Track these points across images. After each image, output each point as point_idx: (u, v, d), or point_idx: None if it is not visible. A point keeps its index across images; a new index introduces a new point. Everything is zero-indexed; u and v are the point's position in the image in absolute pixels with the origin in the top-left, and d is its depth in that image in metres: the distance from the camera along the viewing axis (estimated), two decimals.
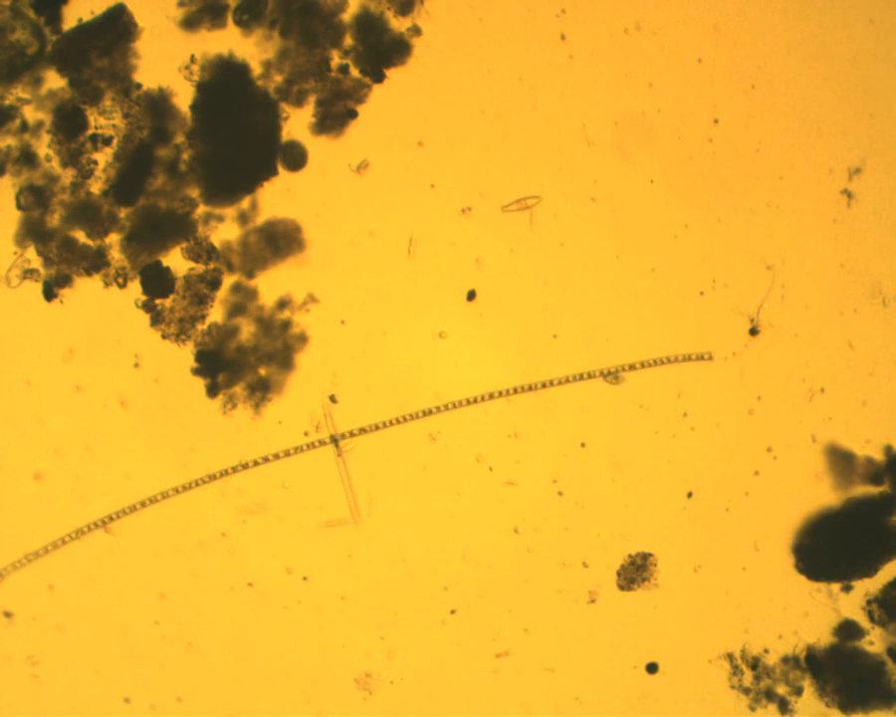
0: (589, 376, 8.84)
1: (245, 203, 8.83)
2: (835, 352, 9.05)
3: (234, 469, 8.83)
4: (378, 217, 8.85)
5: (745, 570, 9.17)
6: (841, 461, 9.15)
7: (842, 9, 8.87)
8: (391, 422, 8.84)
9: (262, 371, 8.91)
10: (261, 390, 8.92)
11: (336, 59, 8.82)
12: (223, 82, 8.77)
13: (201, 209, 8.83)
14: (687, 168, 8.92)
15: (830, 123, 8.90)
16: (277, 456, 8.83)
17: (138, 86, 8.74)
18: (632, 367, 8.87)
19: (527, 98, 8.84)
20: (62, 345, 8.82)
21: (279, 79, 8.79)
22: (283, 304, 8.90)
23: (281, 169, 8.82)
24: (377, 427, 8.82)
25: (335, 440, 8.76)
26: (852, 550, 9.13)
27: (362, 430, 8.77)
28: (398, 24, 8.80)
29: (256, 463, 8.81)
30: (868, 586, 9.24)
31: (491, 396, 8.89)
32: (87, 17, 8.64)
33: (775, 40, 8.85)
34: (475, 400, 8.87)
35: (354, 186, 8.82)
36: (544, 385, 8.92)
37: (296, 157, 8.84)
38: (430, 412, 8.86)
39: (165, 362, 8.85)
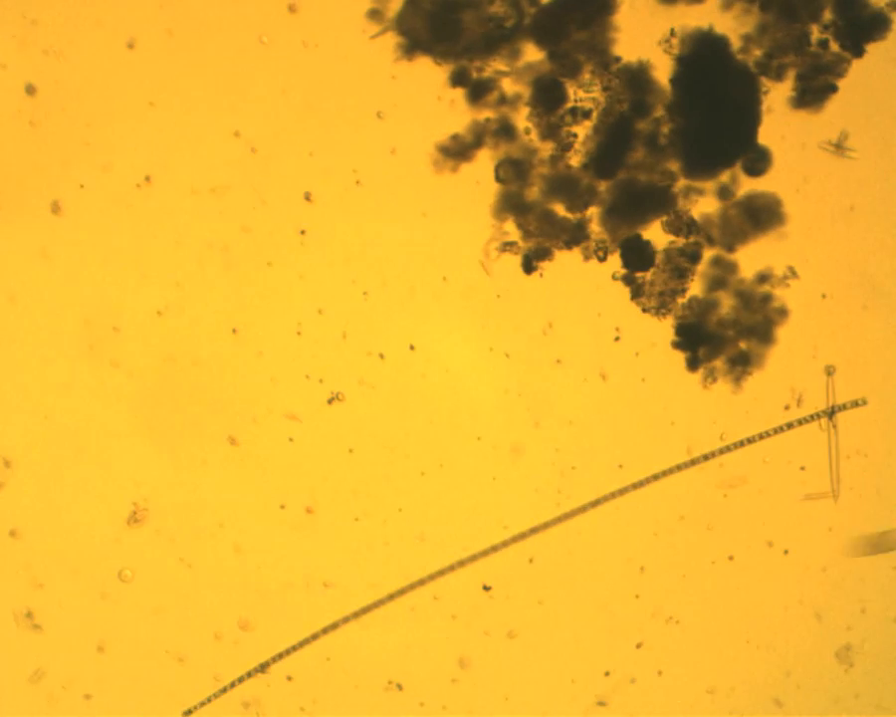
0: None
1: (725, 177, 8.83)
2: None
3: (720, 452, 8.80)
4: (859, 192, 8.85)
5: None
6: None
7: None
8: None
9: (742, 345, 8.90)
10: (741, 364, 8.91)
11: (815, 33, 8.83)
12: (703, 55, 8.76)
13: (681, 183, 8.82)
14: None
15: None
16: (767, 435, 8.82)
17: (617, 59, 8.72)
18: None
19: None
20: (542, 318, 8.79)
21: (758, 53, 8.79)
22: (763, 278, 8.88)
23: (760, 144, 8.82)
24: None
25: (831, 413, 8.73)
26: None
27: (864, 402, 8.75)
28: None
29: (750, 441, 8.79)
30: None
31: None
32: None
33: None
34: None
35: (834, 161, 8.83)
36: None
37: (775, 131, 8.85)
38: None
39: (646, 336, 8.83)
